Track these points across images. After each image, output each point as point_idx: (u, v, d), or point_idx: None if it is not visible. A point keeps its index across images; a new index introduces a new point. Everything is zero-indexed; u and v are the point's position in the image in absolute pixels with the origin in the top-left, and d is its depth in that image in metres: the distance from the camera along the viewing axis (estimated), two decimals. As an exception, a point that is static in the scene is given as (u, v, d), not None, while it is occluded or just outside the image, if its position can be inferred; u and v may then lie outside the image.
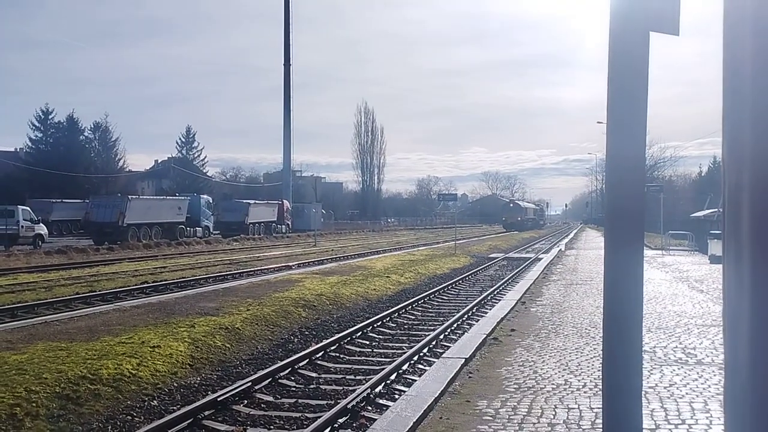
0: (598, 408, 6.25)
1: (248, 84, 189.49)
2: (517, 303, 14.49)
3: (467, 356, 8.87)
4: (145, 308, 13.79)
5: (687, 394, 7.03)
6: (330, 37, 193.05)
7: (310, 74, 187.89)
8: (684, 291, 16.91)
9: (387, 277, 22.50)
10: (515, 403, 6.71)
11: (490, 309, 14.81)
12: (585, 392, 7.11)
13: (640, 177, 3.06)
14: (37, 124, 73.50)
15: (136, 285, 20.37)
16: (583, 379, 7.71)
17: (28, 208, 40.57)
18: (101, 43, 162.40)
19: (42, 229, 40.28)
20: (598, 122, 63.83)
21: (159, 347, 9.98)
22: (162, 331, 11.16)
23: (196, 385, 9.26)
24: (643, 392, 2.88)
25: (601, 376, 3.10)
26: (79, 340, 10.25)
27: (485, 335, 10.45)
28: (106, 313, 13.19)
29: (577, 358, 8.89)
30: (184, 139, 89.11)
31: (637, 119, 2.86)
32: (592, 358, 8.82)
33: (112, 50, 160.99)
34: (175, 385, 9.10)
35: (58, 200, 58.52)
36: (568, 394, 7.07)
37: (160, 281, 21.50)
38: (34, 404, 7.41)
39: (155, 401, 8.43)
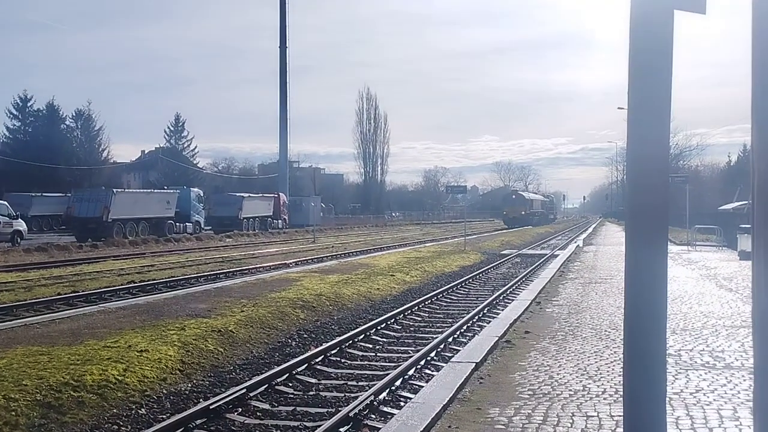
0: (619, 416, 6.25)
1: (242, 68, 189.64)
2: (531, 303, 14.51)
3: (478, 360, 8.89)
4: (131, 310, 13.84)
5: (715, 400, 7.03)
6: (332, 16, 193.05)
7: (309, 57, 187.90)
8: (711, 290, 16.89)
9: (391, 275, 22.53)
10: (530, 411, 6.72)
11: (503, 310, 14.83)
12: (605, 399, 7.12)
13: (663, 167, 3.05)
14: (14, 113, 73.79)
15: (122, 285, 20.42)
16: (602, 384, 7.72)
17: (5, 203, 40.67)
18: (83, 25, 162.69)
19: (21, 225, 40.38)
20: (619, 108, 63.59)
21: (147, 351, 10.02)
22: (150, 334, 11.19)
23: (187, 392, 9.29)
24: (667, 399, 2.89)
25: (622, 382, 3.10)
26: (61, 344, 10.29)
27: (497, 338, 10.47)
28: (90, 315, 13.24)
29: (596, 362, 8.90)
30: (172, 128, 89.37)
31: (660, 104, 2.85)
32: (612, 362, 8.83)
33: (94, 32, 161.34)
34: (165, 392, 9.14)
35: (37, 194, 58.75)
36: (586, 400, 7.08)
37: (148, 281, 21.55)
38: (13, 413, 7.45)
39: (143, 409, 8.46)
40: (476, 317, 15.06)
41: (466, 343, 11.30)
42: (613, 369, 8.42)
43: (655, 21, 2.72)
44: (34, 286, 20.25)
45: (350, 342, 12.46)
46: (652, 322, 3.15)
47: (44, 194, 59.27)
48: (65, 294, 18.27)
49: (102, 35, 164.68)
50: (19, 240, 38.86)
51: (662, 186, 3.13)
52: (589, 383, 7.79)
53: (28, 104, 74.10)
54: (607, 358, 9.09)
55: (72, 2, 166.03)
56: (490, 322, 13.30)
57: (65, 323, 12.32)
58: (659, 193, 3.12)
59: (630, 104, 2.96)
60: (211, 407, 8.15)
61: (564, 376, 8.14)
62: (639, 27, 2.76)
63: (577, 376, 8.13)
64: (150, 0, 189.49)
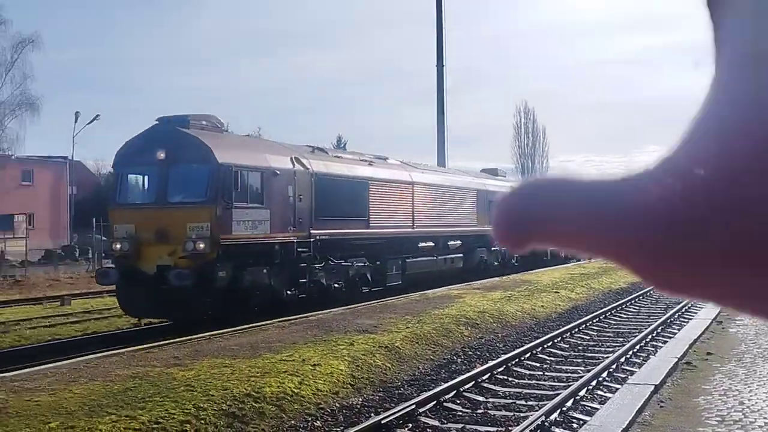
0: (826, 449, 5.67)
1: (397, 89, 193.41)
2: (711, 322, 13.56)
3: (657, 383, 8.41)
4: (303, 325, 14.41)
5: None
6: (481, 33, 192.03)
7: (460, 74, 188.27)
8: None
9: (555, 292, 21.93)
10: (719, 439, 6.25)
11: (679, 329, 13.99)
12: (806, 429, 6.48)
13: None
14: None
15: (293, 301, 21.33)
16: (802, 413, 7.04)
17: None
18: (248, 54, 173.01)
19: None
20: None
21: (319, 365, 10.37)
22: (321, 348, 11.59)
23: (358, 407, 9.51)
24: None
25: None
26: (241, 357, 10.89)
27: (676, 359, 9.87)
28: (266, 330, 13.93)
29: (792, 388, 8.14)
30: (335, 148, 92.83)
31: None
32: (811, 388, 8.04)
33: (259, 60, 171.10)
34: (337, 405, 9.40)
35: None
36: (784, 430, 6.48)
37: (316, 297, 22.36)
38: (202, 421, 7.96)
39: (318, 422, 8.75)
40: (649, 337, 14.26)
41: (641, 365, 10.74)
42: (813, 396, 7.67)
43: None
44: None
45: (516, 360, 12.23)
46: None
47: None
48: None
49: (265, 63, 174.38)
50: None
51: None
52: (786, 411, 7.13)
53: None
54: (806, 384, 8.29)
55: (238, 34, 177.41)
56: (666, 342, 12.58)
57: (244, 337, 13.04)
58: None
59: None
60: (382, 422, 8.28)
61: (756, 402, 7.50)
62: None
63: (771, 403, 7.48)
64: (305, 29, 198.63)
